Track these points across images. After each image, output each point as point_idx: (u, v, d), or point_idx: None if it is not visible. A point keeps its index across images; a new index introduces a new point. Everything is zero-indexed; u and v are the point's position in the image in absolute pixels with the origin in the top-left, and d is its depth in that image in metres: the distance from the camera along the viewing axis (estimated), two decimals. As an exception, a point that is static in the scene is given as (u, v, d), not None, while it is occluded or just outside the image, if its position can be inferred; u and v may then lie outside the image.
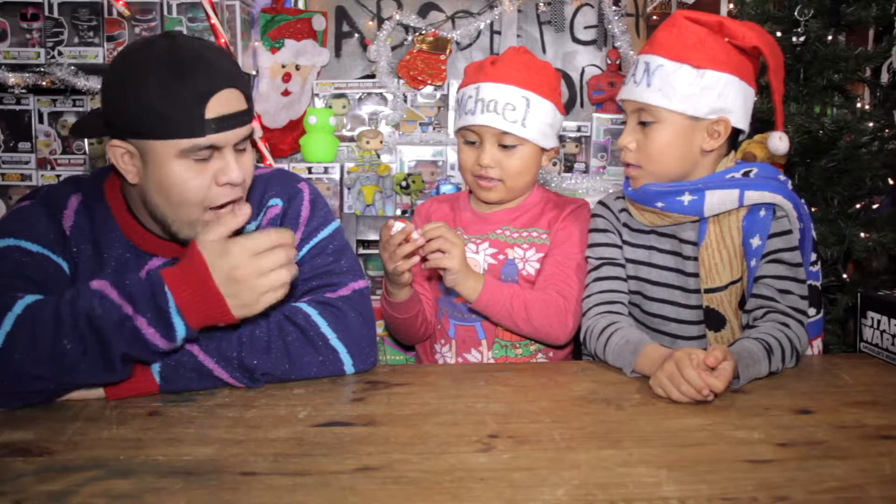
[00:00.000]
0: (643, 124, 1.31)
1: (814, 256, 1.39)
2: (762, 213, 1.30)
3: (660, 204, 1.33)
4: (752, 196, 1.28)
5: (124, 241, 1.20)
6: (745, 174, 1.32)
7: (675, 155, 1.31)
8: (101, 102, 1.12)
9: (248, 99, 1.15)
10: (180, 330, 1.02)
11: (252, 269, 1.02)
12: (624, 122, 1.38)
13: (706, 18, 1.29)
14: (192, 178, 1.10)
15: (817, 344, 1.43)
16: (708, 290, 1.33)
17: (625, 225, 1.43)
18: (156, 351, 1.03)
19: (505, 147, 1.42)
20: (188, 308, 1.02)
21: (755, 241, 1.29)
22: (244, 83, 1.15)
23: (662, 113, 1.29)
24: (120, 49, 1.14)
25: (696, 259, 1.34)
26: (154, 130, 1.07)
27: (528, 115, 1.40)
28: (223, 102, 1.09)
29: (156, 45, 1.09)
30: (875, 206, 2.17)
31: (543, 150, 1.47)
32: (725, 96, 1.28)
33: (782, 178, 1.35)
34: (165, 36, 1.12)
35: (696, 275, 1.34)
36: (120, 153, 1.11)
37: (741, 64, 1.29)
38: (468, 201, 1.56)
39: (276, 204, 1.28)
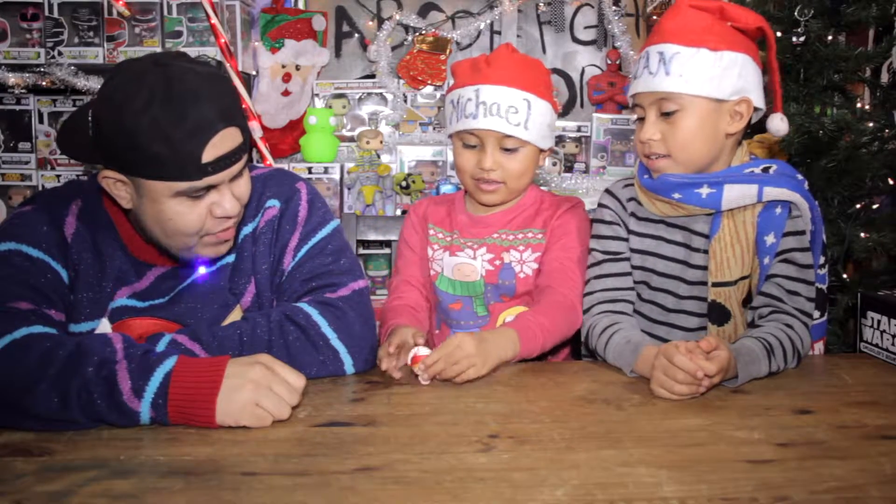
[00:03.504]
0: (665, 115, 1.29)
1: (822, 259, 1.39)
2: (778, 210, 1.29)
3: (677, 195, 1.31)
4: (771, 192, 1.28)
5: (124, 251, 1.20)
6: (765, 170, 1.32)
7: (704, 140, 1.29)
8: (92, 132, 1.07)
9: (244, 130, 1.13)
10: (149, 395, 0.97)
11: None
12: (637, 120, 1.35)
13: (708, 4, 1.29)
14: (187, 212, 1.09)
15: (819, 346, 1.43)
16: (717, 284, 1.32)
17: (632, 214, 1.42)
18: (118, 398, 0.96)
19: (507, 150, 1.41)
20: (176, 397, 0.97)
21: (769, 239, 1.29)
22: (240, 116, 1.12)
23: (686, 99, 1.27)
24: (110, 76, 1.08)
25: (705, 252, 1.33)
26: (148, 172, 1.05)
27: (529, 118, 1.39)
28: (219, 144, 1.07)
29: (149, 78, 1.03)
30: (875, 206, 2.17)
31: (541, 150, 1.46)
32: (745, 76, 1.27)
33: (800, 177, 1.35)
34: (157, 64, 1.06)
35: (702, 267, 1.34)
36: (112, 182, 1.10)
37: (749, 44, 1.30)
38: (464, 203, 1.54)
39: (274, 205, 1.27)
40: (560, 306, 1.36)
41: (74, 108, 2.54)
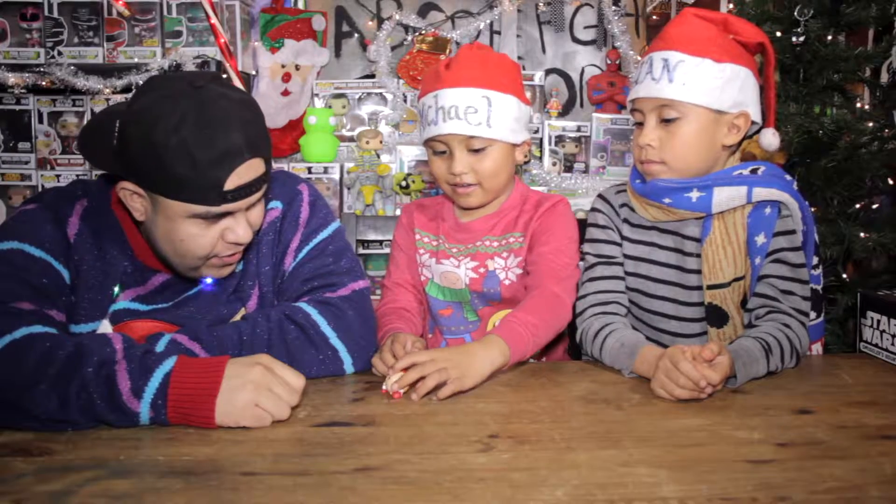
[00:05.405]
0: (665, 122, 1.29)
1: (815, 260, 1.39)
2: (768, 210, 1.30)
3: (667, 200, 1.32)
4: (761, 193, 1.28)
5: (130, 255, 1.19)
6: (753, 171, 1.32)
7: (700, 150, 1.30)
8: (117, 141, 1.07)
9: (268, 161, 1.13)
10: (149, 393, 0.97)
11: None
12: (636, 124, 1.35)
13: (713, 16, 1.30)
14: (201, 234, 1.10)
15: (817, 347, 1.42)
16: (711, 287, 1.32)
17: (625, 220, 1.42)
18: (118, 398, 0.96)
19: (475, 151, 1.37)
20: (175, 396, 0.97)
21: (760, 239, 1.29)
22: (267, 146, 1.12)
23: (687, 108, 1.27)
24: (142, 89, 1.09)
25: (698, 255, 1.34)
26: (168, 191, 1.06)
27: (491, 115, 1.35)
28: (243, 174, 1.07)
29: (183, 100, 1.03)
30: (875, 206, 2.17)
31: (515, 145, 1.42)
32: (745, 90, 1.28)
33: (788, 178, 1.35)
34: (193, 85, 1.05)
35: (697, 271, 1.34)
36: (129, 193, 1.10)
37: (749, 59, 1.30)
38: (452, 207, 1.52)
39: (276, 207, 1.27)
40: (544, 299, 1.32)
41: (74, 108, 2.57)
